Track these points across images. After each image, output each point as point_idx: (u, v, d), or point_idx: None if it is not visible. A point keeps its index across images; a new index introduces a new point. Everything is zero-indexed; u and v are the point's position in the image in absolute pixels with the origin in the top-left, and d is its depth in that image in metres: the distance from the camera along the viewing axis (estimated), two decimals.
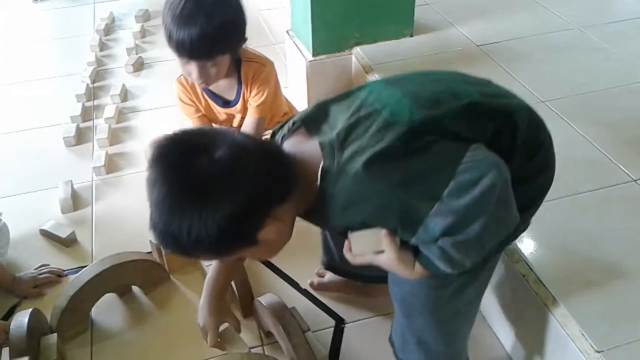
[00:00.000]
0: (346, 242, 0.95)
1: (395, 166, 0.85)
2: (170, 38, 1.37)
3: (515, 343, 1.25)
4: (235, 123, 1.64)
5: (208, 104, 1.61)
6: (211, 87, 1.55)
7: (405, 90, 0.95)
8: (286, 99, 1.76)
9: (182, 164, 0.84)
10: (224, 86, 1.56)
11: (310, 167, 0.90)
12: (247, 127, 1.56)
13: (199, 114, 1.62)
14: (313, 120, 0.98)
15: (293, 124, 0.99)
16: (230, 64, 1.49)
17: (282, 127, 1.02)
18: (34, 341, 1.22)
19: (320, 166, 0.89)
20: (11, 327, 1.21)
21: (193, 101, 1.61)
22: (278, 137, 1.01)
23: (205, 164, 0.82)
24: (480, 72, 1.77)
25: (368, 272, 1.21)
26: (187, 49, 1.36)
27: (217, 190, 0.82)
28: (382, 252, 0.92)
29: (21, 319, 1.22)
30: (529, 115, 0.99)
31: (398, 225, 0.88)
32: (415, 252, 0.91)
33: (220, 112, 1.61)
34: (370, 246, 0.92)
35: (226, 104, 1.59)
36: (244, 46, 1.50)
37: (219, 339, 1.22)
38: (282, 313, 1.25)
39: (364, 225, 0.90)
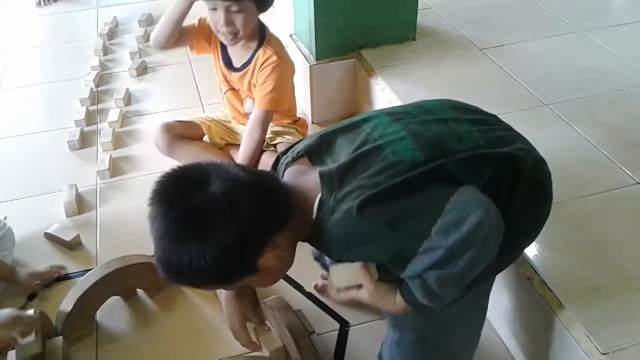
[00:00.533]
0: (328, 280, 0.98)
1: (388, 207, 0.87)
2: None
3: (519, 345, 1.25)
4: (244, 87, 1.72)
5: (216, 54, 1.71)
6: (225, 45, 1.66)
7: (410, 130, 0.96)
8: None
9: (179, 199, 0.88)
10: (236, 52, 1.66)
11: (308, 197, 0.93)
12: (254, 119, 1.64)
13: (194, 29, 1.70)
14: (316, 151, 0.99)
15: (297, 153, 1.01)
16: (254, 32, 1.61)
17: (285, 153, 1.05)
18: (40, 344, 1.22)
19: (318, 198, 0.92)
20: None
21: (206, 40, 1.70)
22: (282, 164, 1.03)
23: (201, 198, 0.87)
24: (483, 76, 1.81)
25: None
26: None
27: (212, 222, 0.86)
28: (360, 286, 0.95)
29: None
30: (532, 158, 1.01)
31: (388, 262, 0.93)
32: (398, 285, 0.94)
33: (222, 67, 1.72)
34: (349, 280, 0.96)
35: (230, 67, 1.69)
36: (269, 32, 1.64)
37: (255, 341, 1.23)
38: (288, 315, 1.25)
39: (358, 259, 0.94)
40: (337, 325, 1.36)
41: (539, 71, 1.83)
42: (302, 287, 1.46)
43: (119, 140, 2.05)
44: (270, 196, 0.92)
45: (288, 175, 1.00)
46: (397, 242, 0.88)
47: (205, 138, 1.82)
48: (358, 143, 0.96)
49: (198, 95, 2.27)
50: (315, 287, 1.45)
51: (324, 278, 1.45)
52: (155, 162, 1.84)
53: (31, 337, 1.20)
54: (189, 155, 1.67)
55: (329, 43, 1.90)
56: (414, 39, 2.01)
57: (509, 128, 1.07)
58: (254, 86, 1.67)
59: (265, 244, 0.90)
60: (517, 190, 0.96)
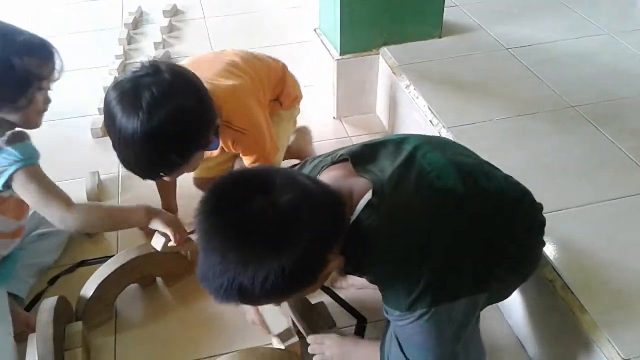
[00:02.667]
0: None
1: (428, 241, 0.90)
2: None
3: (538, 347, 1.24)
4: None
5: None
6: None
7: (448, 158, 0.99)
8: (295, 81, 1.67)
9: (242, 213, 0.79)
10: None
11: (349, 199, 0.92)
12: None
13: None
14: (360, 158, 0.99)
15: (339, 156, 1.00)
16: None
17: (318, 156, 1.05)
18: (60, 328, 1.24)
19: (366, 199, 0.91)
20: (38, 313, 1.23)
21: None
22: (317, 164, 1.02)
23: (266, 210, 0.79)
24: (509, 76, 1.79)
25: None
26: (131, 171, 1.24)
27: (286, 236, 0.79)
28: None
29: (48, 306, 1.23)
30: (533, 201, 1.08)
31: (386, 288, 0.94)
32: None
33: None
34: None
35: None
36: (218, 95, 1.30)
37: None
38: (308, 308, 1.25)
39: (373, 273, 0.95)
40: (354, 321, 1.36)
41: (566, 73, 1.81)
42: None
43: None
44: (337, 207, 0.88)
45: (327, 177, 0.98)
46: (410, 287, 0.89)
47: None
48: (403, 159, 0.97)
49: None
50: (332, 280, 1.44)
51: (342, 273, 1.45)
52: None
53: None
54: None
55: (353, 38, 1.90)
56: (440, 37, 1.99)
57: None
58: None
59: (330, 251, 0.87)
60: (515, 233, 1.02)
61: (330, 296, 1.42)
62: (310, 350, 1.19)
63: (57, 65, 1.27)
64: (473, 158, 1.07)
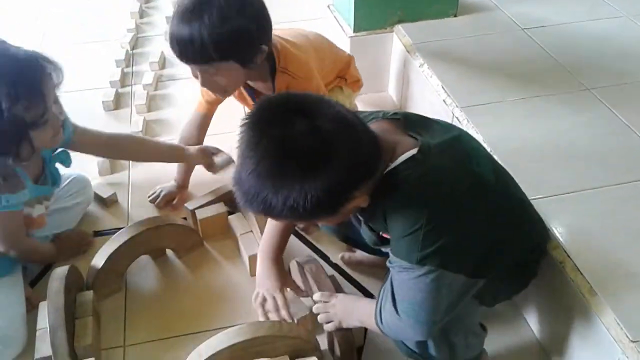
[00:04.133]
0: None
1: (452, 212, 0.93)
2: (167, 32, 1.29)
3: (546, 328, 1.24)
4: None
5: (240, 93, 1.54)
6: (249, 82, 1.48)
7: (487, 153, 1.09)
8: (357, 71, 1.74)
9: (284, 130, 0.82)
10: (261, 86, 1.48)
11: (391, 150, 0.93)
12: None
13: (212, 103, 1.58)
14: (413, 121, 1.01)
15: (394, 114, 1.01)
16: (265, 68, 1.40)
17: (367, 110, 1.06)
18: (71, 296, 1.25)
19: (409, 154, 0.92)
20: (50, 281, 1.24)
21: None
22: (367, 115, 1.03)
23: (307, 132, 0.81)
24: (524, 56, 1.77)
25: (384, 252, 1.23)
26: (175, 49, 1.27)
27: (319, 161, 0.81)
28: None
29: (60, 275, 1.25)
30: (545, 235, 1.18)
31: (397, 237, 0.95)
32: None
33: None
34: None
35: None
36: (282, 45, 1.41)
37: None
38: (320, 276, 1.27)
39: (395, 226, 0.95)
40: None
41: (582, 54, 1.79)
42: (328, 257, 1.46)
43: (153, 103, 2.07)
44: (370, 141, 0.89)
45: (375, 127, 0.98)
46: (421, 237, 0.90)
47: None
48: (451, 136, 1.00)
49: None
50: (342, 258, 1.45)
51: (352, 250, 1.45)
52: None
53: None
54: None
55: (367, 15, 1.88)
56: (455, 15, 1.97)
57: None
58: None
59: (358, 188, 0.88)
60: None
61: (339, 273, 1.43)
62: (315, 309, 1.19)
63: (56, 79, 1.16)
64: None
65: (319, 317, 1.19)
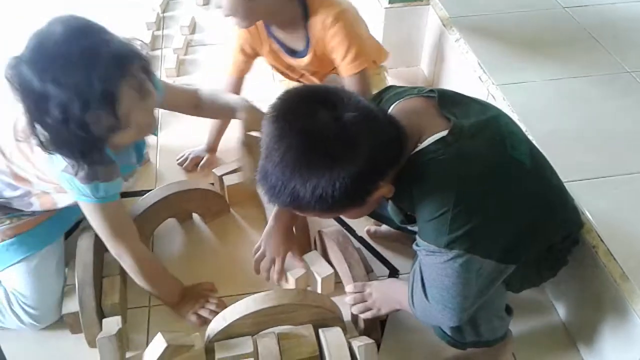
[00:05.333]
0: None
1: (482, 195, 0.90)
2: None
3: (573, 314, 1.23)
4: (309, 71, 1.56)
5: (272, 49, 1.51)
6: (276, 35, 1.47)
7: (525, 136, 1.02)
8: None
9: (311, 120, 0.82)
10: (291, 37, 1.46)
11: (417, 132, 0.92)
12: (351, 87, 1.42)
13: (242, 63, 1.56)
14: (448, 99, 0.98)
15: (429, 90, 0.99)
16: (297, 13, 1.39)
17: (403, 86, 1.04)
18: (99, 256, 1.26)
19: (439, 135, 0.90)
20: (79, 240, 1.26)
21: (253, 48, 1.52)
22: (401, 92, 1.01)
23: (332, 122, 0.82)
24: (564, 36, 1.73)
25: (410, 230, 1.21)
26: None
27: (345, 150, 0.82)
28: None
29: (89, 234, 1.26)
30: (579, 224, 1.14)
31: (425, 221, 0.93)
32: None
33: (288, 60, 1.52)
34: None
35: (293, 53, 1.49)
36: None
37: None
38: (347, 247, 1.27)
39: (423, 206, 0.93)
40: (386, 272, 1.36)
41: (624, 36, 1.73)
42: (354, 230, 1.46)
43: (182, 68, 2.06)
44: (394, 130, 0.89)
45: (409, 104, 0.97)
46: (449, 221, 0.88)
47: None
48: (486, 117, 0.97)
49: None
50: (368, 231, 1.44)
51: (377, 224, 1.45)
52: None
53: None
54: None
55: None
56: None
57: None
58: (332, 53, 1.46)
59: (383, 178, 0.88)
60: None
61: (365, 247, 1.42)
62: (349, 300, 1.19)
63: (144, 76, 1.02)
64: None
65: (355, 308, 1.18)
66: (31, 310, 1.20)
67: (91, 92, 0.92)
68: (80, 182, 1.05)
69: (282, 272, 1.27)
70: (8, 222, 1.20)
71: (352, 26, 1.40)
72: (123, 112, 0.97)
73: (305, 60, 1.47)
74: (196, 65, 2.08)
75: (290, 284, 1.28)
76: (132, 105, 0.99)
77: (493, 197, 0.90)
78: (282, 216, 1.28)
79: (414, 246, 0.97)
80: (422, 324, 1.11)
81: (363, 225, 1.45)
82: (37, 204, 1.20)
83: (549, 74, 1.58)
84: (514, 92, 1.50)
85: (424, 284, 0.96)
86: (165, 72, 2.01)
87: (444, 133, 0.90)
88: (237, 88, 1.60)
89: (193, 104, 1.35)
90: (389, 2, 1.86)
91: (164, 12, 2.37)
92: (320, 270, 1.27)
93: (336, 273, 1.29)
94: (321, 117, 0.82)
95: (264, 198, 1.45)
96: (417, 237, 0.96)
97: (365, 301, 1.16)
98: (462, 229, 0.88)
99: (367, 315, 1.17)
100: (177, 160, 1.64)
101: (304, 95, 0.87)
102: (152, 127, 1.10)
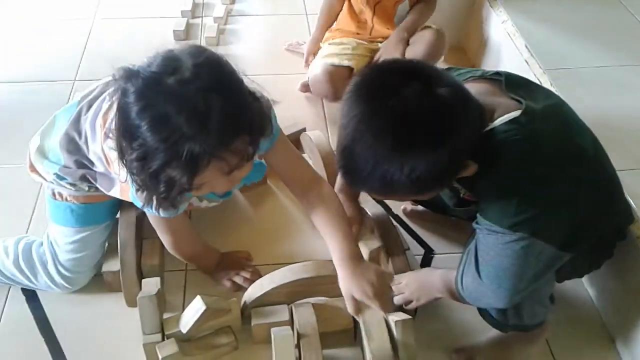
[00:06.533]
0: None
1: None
2: None
3: (612, 309, 1.22)
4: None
5: None
6: None
7: (586, 125, 1.00)
8: None
9: (402, 96, 0.78)
10: None
11: (491, 113, 0.90)
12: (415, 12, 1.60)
13: None
14: (515, 82, 0.97)
15: (495, 73, 0.98)
16: None
17: (465, 68, 1.03)
18: (141, 216, 1.27)
19: (511, 116, 0.88)
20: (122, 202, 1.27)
21: None
22: (464, 73, 1.00)
23: (429, 98, 0.79)
24: (615, 24, 1.69)
25: (459, 212, 1.21)
26: None
27: (447, 128, 0.80)
28: None
29: None
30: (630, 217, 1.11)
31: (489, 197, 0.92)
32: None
33: None
34: None
35: None
36: None
37: None
38: (385, 224, 1.27)
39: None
40: (421, 251, 1.36)
41: None
42: (390, 209, 1.45)
43: (222, 37, 2.06)
44: (478, 107, 0.87)
45: (475, 87, 0.95)
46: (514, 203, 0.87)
47: None
48: (553, 103, 0.96)
49: (303, 3, 2.24)
50: (404, 210, 1.44)
51: (414, 203, 1.44)
52: (256, 61, 1.86)
53: None
54: None
55: None
56: None
57: None
58: None
59: (468, 157, 0.87)
60: None
61: (399, 224, 1.42)
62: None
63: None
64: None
65: (395, 299, 1.15)
66: (65, 272, 1.21)
67: (177, 154, 0.83)
68: (138, 199, 1.01)
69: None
70: (86, 189, 1.18)
71: None
72: (199, 182, 0.90)
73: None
74: (236, 35, 2.08)
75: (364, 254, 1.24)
76: (212, 180, 0.92)
77: (561, 183, 0.89)
78: (345, 190, 1.26)
79: (474, 224, 0.96)
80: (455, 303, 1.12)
81: (400, 203, 1.45)
82: (117, 191, 1.13)
83: (597, 61, 1.56)
84: (562, 77, 1.47)
85: (477, 263, 0.95)
86: (205, 40, 2.01)
87: (517, 113, 0.88)
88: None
89: (301, 188, 1.19)
90: None
91: None
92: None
93: None
94: (415, 93, 0.78)
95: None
96: (478, 215, 0.95)
97: (403, 293, 1.14)
98: (529, 212, 0.87)
99: (409, 307, 1.14)
100: None
101: (391, 70, 0.84)
102: (226, 190, 1.04)
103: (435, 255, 1.35)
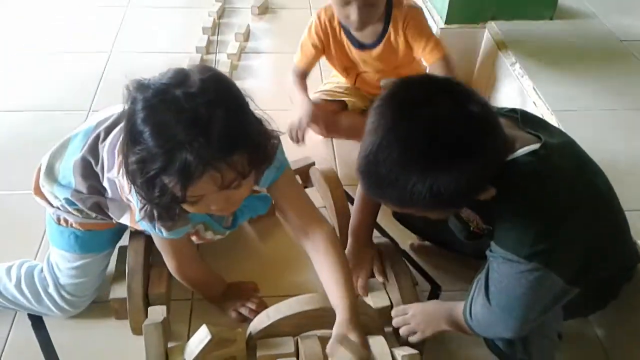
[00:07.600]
0: None
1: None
2: None
3: (620, 351, 1.21)
4: (369, 70, 1.64)
5: (342, 45, 1.61)
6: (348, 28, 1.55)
7: (598, 167, 1.01)
8: None
9: (433, 110, 0.79)
10: (368, 32, 1.55)
11: (511, 144, 0.90)
12: (437, 71, 1.56)
13: (314, 57, 1.64)
14: (530, 119, 0.98)
15: (510, 110, 0.99)
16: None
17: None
18: (149, 245, 1.28)
19: (531, 148, 0.89)
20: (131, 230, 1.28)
21: (322, 41, 1.61)
22: None
23: (460, 115, 0.79)
24: (620, 70, 1.71)
25: (466, 248, 1.22)
26: None
27: (476, 146, 0.80)
28: None
29: None
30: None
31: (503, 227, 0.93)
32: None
33: (353, 54, 1.62)
34: None
35: (362, 46, 1.60)
36: None
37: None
38: (394, 256, 1.28)
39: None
40: (428, 287, 1.36)
41: None
42: (397, 244, 1.45)
43: (235, 73, 2.10)
44: (505, 134, 0.88)
45: None
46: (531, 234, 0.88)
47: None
48: (568, 140, 0.98)
49: None
50: (411, 246, 1.44)
51: (420, 241, 1.44)
52: (267, 96, 1.89)
53: None
54: (350, 130, 1.68)
55: (462, 8, 1.86)
56: (551, 19, 1.92)
57: None
58: (405, 46, 1.57)
59: (489, 181, 0.87)
60: None
61: (406, 259, 1.41)
62: (394, 323, 1.18)
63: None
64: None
65: (400, 330, 1.16)
66: (66, 295, 1.21)
67: (173, 160, 0.85)
68: (140, 215, 1.01)
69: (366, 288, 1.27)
70: (93, 216, 1.18)
71: (424, 22, 1.59)
72: (193, 193, 0.91)
73: (374, 52, 1.58)
74: (249, 71, 2.12)
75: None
76: (208, 194, 0.93)
77: (577, 219, 0.90)
78: (358, 234, 1.29)
79: (487, 252, 0.96)
80: (462, 336, 1.11)
81: (408, 239, 1.45)
82: (127, 218, 1.15)
83: (602, 104, 1.58)
84: (569, 118, 1.49)
85: (488, 291, 0.95)
86: None
87: (536, 146, 0.89)
88: (304, 80, 1.65)
89: (301, 227, 1.18)
90: (445, 23, 1.87)
91: (219, 18, 2.43)
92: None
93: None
94: (448, 109, 0.79)
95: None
96: (492, 243, 0.95)
97: (409, 324, 1.14)
98: (545, 244, 0.88)
99: (414, 339, 1.14)
100: None
101: (423, 83, 0.85)
102: (224, 212, 1.06)
103: (442, 292, 1.34)
